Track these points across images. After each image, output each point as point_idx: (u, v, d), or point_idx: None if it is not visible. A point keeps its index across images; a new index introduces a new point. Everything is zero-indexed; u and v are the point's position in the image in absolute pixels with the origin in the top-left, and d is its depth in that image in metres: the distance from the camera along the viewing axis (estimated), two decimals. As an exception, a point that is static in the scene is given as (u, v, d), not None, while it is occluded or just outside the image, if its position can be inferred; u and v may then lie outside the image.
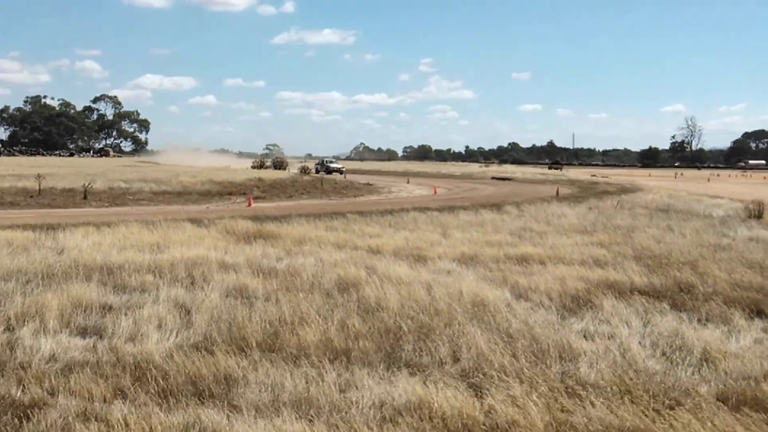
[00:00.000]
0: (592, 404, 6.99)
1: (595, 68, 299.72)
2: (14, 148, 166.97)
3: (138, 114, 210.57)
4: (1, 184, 38.46)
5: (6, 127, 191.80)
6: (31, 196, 35.24)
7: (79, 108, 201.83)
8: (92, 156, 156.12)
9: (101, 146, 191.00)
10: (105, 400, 7.12)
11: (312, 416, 6.73)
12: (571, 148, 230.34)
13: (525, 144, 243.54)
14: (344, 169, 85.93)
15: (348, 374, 7.91)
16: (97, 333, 9.56)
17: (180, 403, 7.04)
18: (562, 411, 6.88)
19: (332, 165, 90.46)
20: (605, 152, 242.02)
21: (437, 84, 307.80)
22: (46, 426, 6.32)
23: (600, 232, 22.19)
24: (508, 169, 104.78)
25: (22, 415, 6.64)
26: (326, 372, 7.91)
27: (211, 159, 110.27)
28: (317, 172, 79.76)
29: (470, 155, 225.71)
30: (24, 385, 7.40)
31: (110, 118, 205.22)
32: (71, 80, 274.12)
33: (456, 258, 16.19)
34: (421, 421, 6.59)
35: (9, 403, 6.93)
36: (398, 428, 6.38)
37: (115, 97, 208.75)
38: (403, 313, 10.38)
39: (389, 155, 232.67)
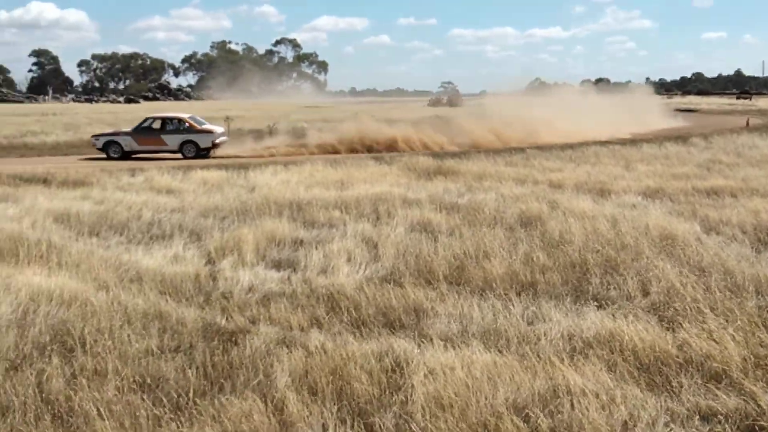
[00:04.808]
0: (795, 340, 6.71)
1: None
2: (201, 92, 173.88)
3: (316, 56, 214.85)
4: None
5: (194, 72, 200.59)
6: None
7: (261, 52, 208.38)
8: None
9: (282, 89, 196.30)
10: (302, 329, 7.49)
11: (501, 347, 6.81)
12: (761, 76, 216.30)
13: (709, 74, 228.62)
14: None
15: (535, 307, 7.93)
16: (290, 266, 10.01)
17: (372, 333, 7.30)
18: (761, 346, 6.63)
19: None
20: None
21: (614, 14, 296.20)
22: (252, 350, 6.71)
23: (797, 162, 20.95)
24: (693, 101, 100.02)
25: (228, 340, 7.10)
26: (513, 304, 7.96)
27: None
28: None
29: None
30: (228, 314, 7.89)
31: (290, 61, 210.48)
32: (250, 25, 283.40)
33: (641, 191, 15.79)
34: (612, 353, 6.53)
35: (215, 330, 7.41)
36: (589, 360, 6.35)
37: (295, 39, 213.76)
38: (588, 247, 10.26)
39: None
